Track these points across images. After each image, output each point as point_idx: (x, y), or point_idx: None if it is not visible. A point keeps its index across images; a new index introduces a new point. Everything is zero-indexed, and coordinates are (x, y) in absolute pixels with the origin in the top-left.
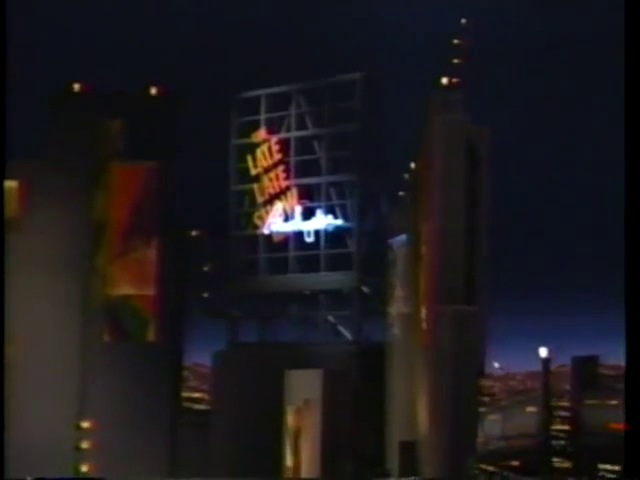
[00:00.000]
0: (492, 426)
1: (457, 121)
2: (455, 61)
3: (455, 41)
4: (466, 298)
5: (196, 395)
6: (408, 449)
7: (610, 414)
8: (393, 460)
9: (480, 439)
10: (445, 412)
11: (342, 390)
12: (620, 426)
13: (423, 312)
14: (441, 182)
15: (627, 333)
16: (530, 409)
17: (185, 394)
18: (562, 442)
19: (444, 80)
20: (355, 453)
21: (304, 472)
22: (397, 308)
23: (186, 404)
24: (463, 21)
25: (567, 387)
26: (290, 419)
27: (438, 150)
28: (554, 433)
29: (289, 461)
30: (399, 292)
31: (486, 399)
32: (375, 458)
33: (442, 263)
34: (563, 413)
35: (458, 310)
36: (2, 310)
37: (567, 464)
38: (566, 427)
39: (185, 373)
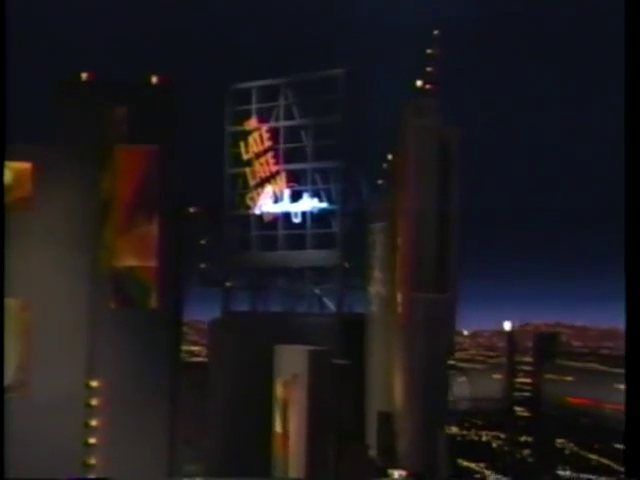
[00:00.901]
0: (461, 388)
1: (429, 125)
2: (428, 69)
3: (428, 51)
4: (438, 286)
5: (195, 348)
6: (385, 419)
7: (567, 389)
8: (373, 431)
9: (451, 398)
10: (417, 390)
11: (327, 367)
12: (577, 400)
13: (399, 297)
14: (415, 181)
15: (627, 333)
16: (496, 376)
17: (185, 347)
18: (523, 408)
19: (418, 83)
20: (337, 427)
21: (291, 440)
22: (375, 287)
23: (186, 356)
24: (435, 32)
25: (530, 344)
26: (279, 391)
27: (412, 153)
28: (517, 399)
29: (278, 428)
30: (377, 274)
31: (457, 360)
32: (357, 431)
33: (416, 254)
34: (525, 380)
35: (431, 298)
36: (2, 299)
37: (527, 437)
38: (527, 395)
39: (185, 329)
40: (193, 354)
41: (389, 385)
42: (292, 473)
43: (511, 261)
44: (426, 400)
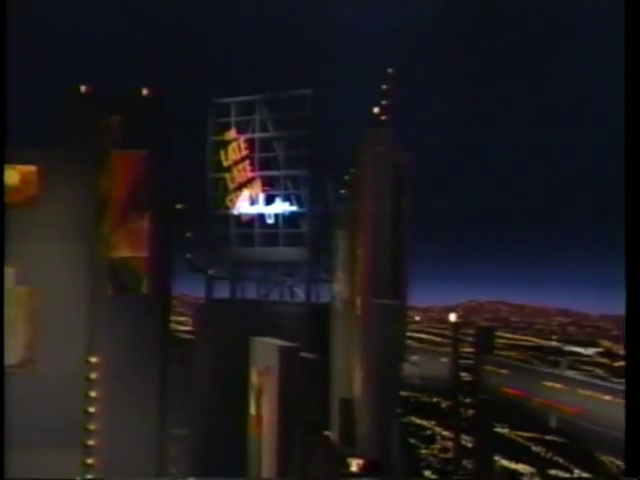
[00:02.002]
0: (414, 367)
1: (384, 152)
2: (383, 102)
3: (383, 87)
4: (392, 293)
5: (182, 319)
6: (346, 406)
7: (503, 381)
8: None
9: (405, 374)
10: (373, 383)
11: (295, 360)
12: (511, 391)
13: (358, 300)
14: (371, 200)
15: (627, 334)
16: (443, 359)
17: (173, 318)
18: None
19: (375, 110)
20: (305, 413)
21: (264, 423)
22: (338, 286)
23: (174, 326)
24: (390, 70)
25: (476, 319)
26: (254, 378)
27: (369, 175)
28: (459, 385)
29: (253, 411)
30: (340, 274)
31: (410, 338)
32: (322, 418)
33: (373, 266)
34: (467, 367)
35: (386, 304)
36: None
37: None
38: (470, 379)
39: (173, 302)
40: (181, 324)
41: (350, 375)
42: (264, 452)
43: (462, 250)
44: (381, 392)
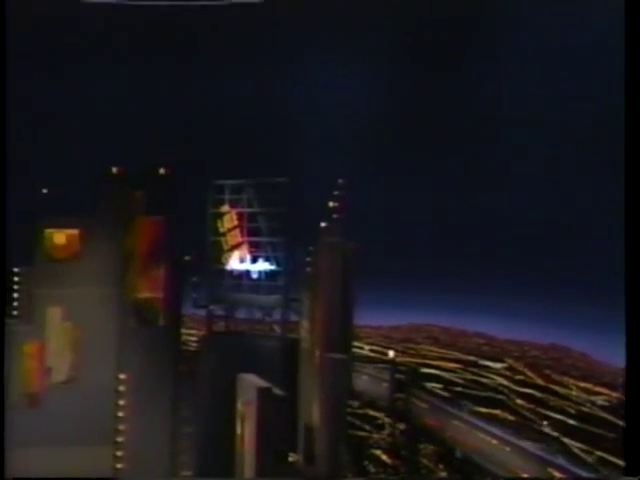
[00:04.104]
0: (362, 383)
1: (336, 242)
2: (334, 216)
3: (331, 204)
4: (342, 349)
5: (193, 331)
6: (308, 432)
7: (424, 412)
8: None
9: (357, 389)
10: (326, 415)
11: (269, 398)
12: (431, 421)
13: (316, 352)
14: (326, 277)
15: (627, 335)
16: (384, 384)
17: (185, 330)
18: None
19: (330, 204)
20: (276, 438)
21: (246, 441)
22: (303, 333)
23: (185, 337)
24: (340, 181)
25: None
26: (239, 406)
27: (323, 261)
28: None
29: (239, 430)
30: (305, 323)
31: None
32: (289, 441)
33: (327, 329)
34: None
35: (336, 357)
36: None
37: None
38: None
39: (185, 319)
40: (192, 335)
41: (311, 408)
42: (247, 464)
43: (406, 286)
44: (332, 422)
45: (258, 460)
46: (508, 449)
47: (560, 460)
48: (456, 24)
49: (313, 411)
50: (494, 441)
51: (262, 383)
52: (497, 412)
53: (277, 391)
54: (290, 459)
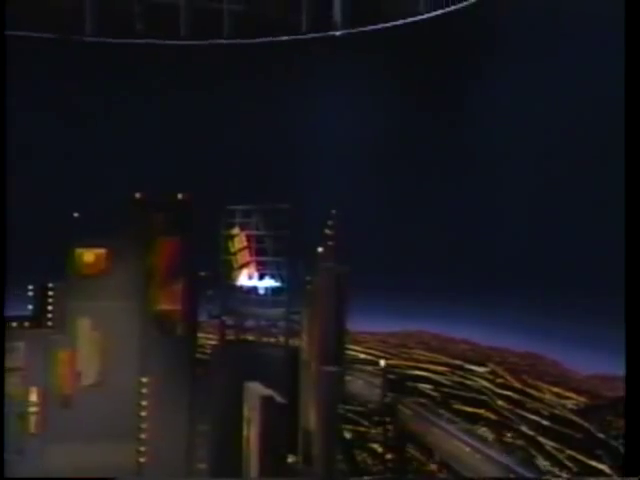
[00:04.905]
0: (356, 386)
1: (330, 267)
2: (329, 243)
3: (326, 231)
4: (335, 362)
5: (210, 336)
6: (306, 436)
7: (409, 419)
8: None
9: (353, 391)
10: (322, 421)
11: (271, 407)
12: (414, 427)
13: (312, 365)
14: (321, 297)
15: (627, 335)
16: (377, 391)
17: (203, 335)
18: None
19: (326, 231)
20: (277, 441)
21: (251, 443)
22: (302, 344)
23: (202, 341)
24: (334, 211)
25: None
26: (246, 410)
27: (319, 281)
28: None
29: (245, 432)
30: (304, 336)
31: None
32: (289, 444)
33: (322, 345)
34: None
35: (330, 370)
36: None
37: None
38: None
39: (201, 325)
40: (210, 339)
41: (309, 414)
42: (252, 463)
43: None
44: (328, 427)
45: (260, 460)
46: (478, 456)
47: (520, 469)
48: (455, 57)
49: (310, 416)
50: (467, 448)
51: (265, 392)
52: (481, 411)
53: (278, 399)
54: (289, 460)
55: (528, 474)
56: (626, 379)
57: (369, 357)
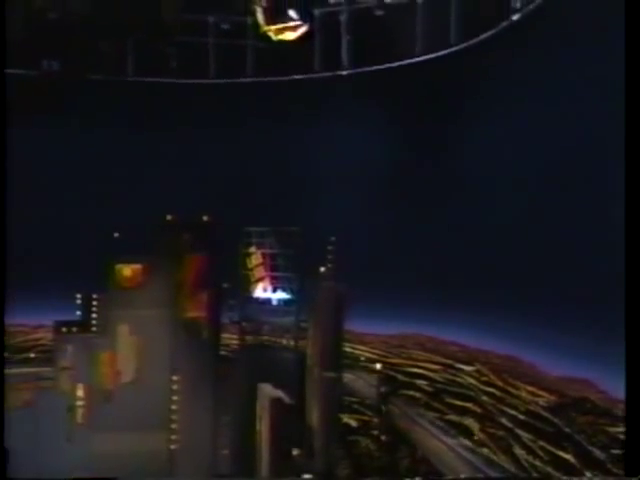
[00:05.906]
0: (353, 383)
1: (330, 286)
2: (329, 265)
3: (329, 247)
4: (334, 368)
5: (232, 336)
6: (310, 432)
7: (398, 420)
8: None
9: (353, 389)
10: (322, 421)
11: (279, 407)
12: (404, 425)
13: (315, 370)
14: (322, 313)
15: (627, 335)
16: (372, 382)
17: (227, 335)
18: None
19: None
20: (286, 436)
21: (262, 438)
22: (308, 350)
23: (226, 341)
24: (332, 238)
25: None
26: (258, 409)
27: (321, 298)
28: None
29: (257, 427)
30: (309, 344)
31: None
32: (296, 441)
33: (323, 353)
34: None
35: (330, 376)
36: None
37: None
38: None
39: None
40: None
41: (312, 413)
42: (264, 457)
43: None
44: (328, 424)
45: (269, 454)
46: (452, 454)
47: (486, 469)
48: (455, 93)
49: (313, 415)
50: (444, 447)
51: (274, 393)
52: (469, 405)
53: (286, 399)
54: (294, 452)
55: (493, 473)
56: (626, 379)
57: (373, 356)
